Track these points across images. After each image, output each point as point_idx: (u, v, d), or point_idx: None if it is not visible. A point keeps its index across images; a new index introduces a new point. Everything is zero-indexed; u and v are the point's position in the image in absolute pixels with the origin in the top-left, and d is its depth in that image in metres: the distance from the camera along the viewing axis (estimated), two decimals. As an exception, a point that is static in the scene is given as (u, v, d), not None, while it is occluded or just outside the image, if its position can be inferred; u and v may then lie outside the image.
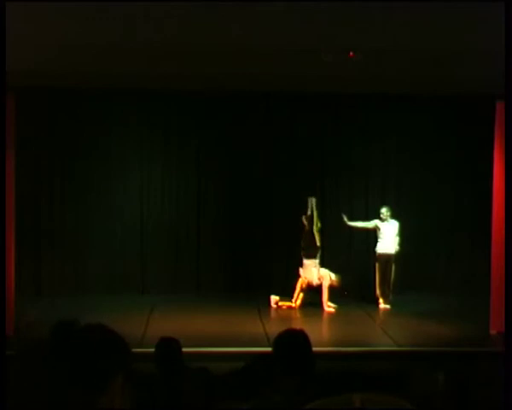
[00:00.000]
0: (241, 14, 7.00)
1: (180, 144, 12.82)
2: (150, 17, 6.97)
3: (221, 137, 12.70)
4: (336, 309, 11.34)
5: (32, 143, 11.93)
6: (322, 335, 9.99)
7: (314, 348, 3.40)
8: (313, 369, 3.32)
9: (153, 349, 5.19)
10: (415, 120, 12.65)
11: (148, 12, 6.80)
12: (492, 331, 9.67)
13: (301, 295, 11.33)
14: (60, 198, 12.45)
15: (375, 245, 11.77)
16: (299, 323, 10.21)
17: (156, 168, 12.87)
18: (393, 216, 11.74)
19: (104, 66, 8.61)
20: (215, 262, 12.81)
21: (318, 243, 11.48)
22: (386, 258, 11.63)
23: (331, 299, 11.43)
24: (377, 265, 11.70)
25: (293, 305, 11.34)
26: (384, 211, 11.69)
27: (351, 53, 8.10)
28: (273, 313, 11.15)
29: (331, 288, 11.32)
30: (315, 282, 11.31)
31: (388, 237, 11.64)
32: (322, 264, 12.88)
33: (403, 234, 11.77)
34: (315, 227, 11.50)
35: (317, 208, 11.58)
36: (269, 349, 3.52)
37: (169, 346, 5.17)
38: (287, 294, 11.49)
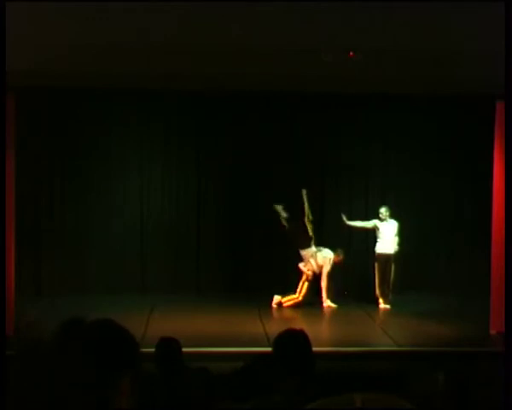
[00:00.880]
0: (241, 14, 7.00)
1: (180, 144, 12.82)
2: (150, 17, 6.98)
3: (221, 137, 12.70)
4: (335, 309, 11.35)
5: (32, 143, 11.92)
6: (322, 335, 9.98)
7: (314, 348, 3.40)
8: (313, 369, 3.32)
9: (153, 349, 5.18)
10: (415, 120, 12.65)
11: (148, 12, 6.80)
12: (492, 331, 9.67)
13: (306, 285, 11.40)
14: (60, 198, 12.45)
15: (375, 245, 11.77)
16: (299, 323, 10.20)
17: (156, 168, 12.87)
18: (393, 216, 11.74)
19: (104, 66, 8.61)
20: (215, 262, 12.81)
21: (311, 233, 11.55)
22: (386, 258, 11.63)
23: (332, 300, 11.45)
24: (377, 265, 11.70)
25: (298, 298, 11.41)
26: (383, 211, 11.69)
27: (351, 53, 8.10)
28: (273, 313, 11.15)
29: (338, 264, 11.56)
30: (317, 271, 11.41)
31: (387, 236, 11.63)
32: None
33: (402, 234, 11.77)
34: (306, 218, 11.56)
35: (308, 200, 11.63)
36: (269, 349, 3.51)
37: (169, 346, 5.17)
38: (287, 292, 11.54)
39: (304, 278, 11.50)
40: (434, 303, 11.64)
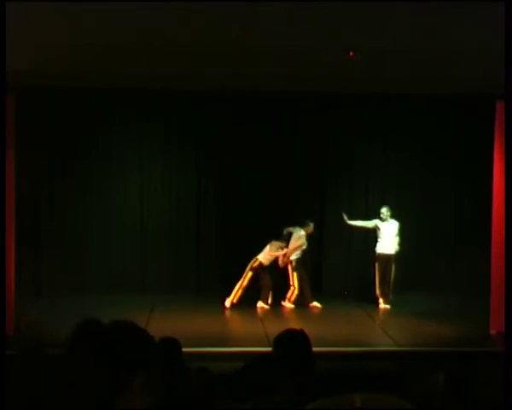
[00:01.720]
0: (241, 14, 7.00)
1: (180, 144, 12.82)
2: (150, 17, 6.97)
3: (221, 137, 12.69)
4: (335, 309, 11.36)
5: (32, 143, 11.92)
6: (322, 335, 9.98)
7: (314, 348, 3.40)
8: (313, 369, 3.32)
9: (153, 349, 5.17)
10: (415, 120, 12.65)
11: (148, 12, 6.80)
12: (492, 331, 9.67)
13: (295, 274, 11.55)
14: (60, 198, 12.44)
15: (375, 245, 11.77)
16: (299, 323, 10.21)
17: (156, 168, 12.87)
18: (393, 216, 11.74)
19: (104, 66, 8.61)
20: (215, 262, 12.81)
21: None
22: (386, 258, 11.62)
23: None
24: (377, 265, 11.69)
25: (294, 290, 11.48)
26: (384, 211, 11.69)
27: (351, 53, 8.10)
28: (273, 313, 11.15)
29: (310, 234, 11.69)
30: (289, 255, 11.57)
31: (388, 237, 11.63)
32: (323, 264, 12.93)
33: (403, 234, 11.77)
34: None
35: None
36: (269, 349, 3.52)
37: (169, 346, 5.16)
38: (287, 292, 11.57)
39: (290, 268, 11.52)
40: (434, 303, 11.64)
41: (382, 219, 11.68)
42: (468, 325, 10.12)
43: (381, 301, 11.58)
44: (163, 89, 10.56)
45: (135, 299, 11.74)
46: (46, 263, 12.37)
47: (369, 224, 11.83)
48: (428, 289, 12.35)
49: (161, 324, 9.79)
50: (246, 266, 11.54)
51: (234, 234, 12.71)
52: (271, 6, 6.63)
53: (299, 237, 11.61)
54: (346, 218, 11.83)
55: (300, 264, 11.65)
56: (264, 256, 11.52)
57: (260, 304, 11.33)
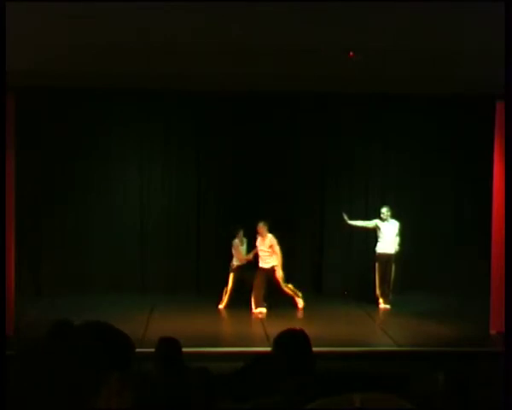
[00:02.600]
0: (241, 14, 7.00)
1: (180, 144, 12.83)
2: (150, 17, 6.97)
3: (221, 137, 12.69)
4: (336, 309, 11.35)
5: (32, 143, 11.93)
6: (322, 335, 9.98)
7: (314, 348, 3.40)
8: (313, 369, 3.32)
9: (153, 349, 5.18)
10: (415, 120, 12.65)
11: (148, 12, 6.80)
12: (492, 331, 9.67)
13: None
14: (60, 198, 12.44)
15: (375, 245, 11.77)
16: (299, 323, 10.21)
17: (156, 168, 12.87)
18: (393, 216, 11.74)
19: (104, 66, 8.62)
20: (215, 262, 12.80)
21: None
22: (386, 258, 11.63)
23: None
24: (377, 265, 11.70)
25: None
26: (384, 211, 11.69)
27: (351, 53, 8.10)
28: (273, 313, 11.14)
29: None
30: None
31: (388, 237, 11.64)
32: (323, 264, 12.93)
33: (403, 234, 11.77)
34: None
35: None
36: (269, 349, 3.52)
37: (169, 346, 5.17)
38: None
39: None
40: (434, 303, 11.64)
41: (382, 219, 11.68)
42: (468, 325, 10.12)
43: (381, 301, 11.58)
44: (163, 89, 10.56)
45: (135, 299, 11.75)
46: (46, 263, 12.37)
47: (370, 224, 11.83)
48: (428, 289, 12.34)
49: (161, 324, 9.80)
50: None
51: (234, 234, 12.69)
52: (271, 6, 6.63)
53: (233, 246, 11.62)
54: (346, 218, 11.83)
55: (240, 271, 11.56)
56: (234, 257, 11.59)
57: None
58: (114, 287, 12.24)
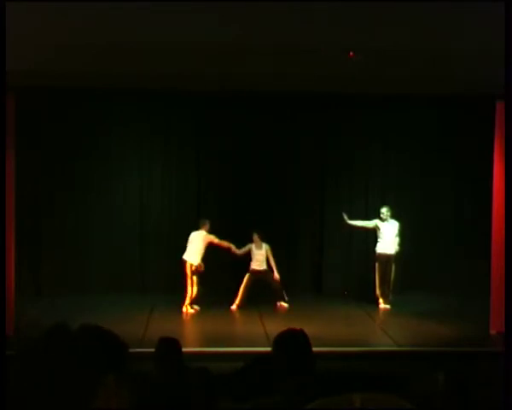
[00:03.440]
0: (241, 14, 7.00)
1: (180, 144, 12.82)
2: (150, 17, 6.97)
3: (221, 137, 12.69)
4: (340, 309, 11.35)
5: (32, 143, 11.93)
6: (322, 335, 9.98)
7: (314, 348, 3.40)
8: (313, 369, 3.32)
9: (153, 349, 5.18)
10: (415, 120, 12.65)
11: (148, 12, 6.80)
12: (492, 331, 9.67)
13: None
14: (60, 198, 12.44)
15: (375, 245, 11.77)
16: (299, 323, 10.19)
17: (156, 168, 12.87)
18: (393, 216, 11.74)
19: (104, 66, 8.61)
20: (215, 262, 12.78)
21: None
22: (386, 258, 11.62)
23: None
24: (377, 265, 11.69)
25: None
26: (384, 211, 11.69)
27: (351, 53, 8.10)
28: (273, 313, 11.14)
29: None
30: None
31: (388, 237, 11.63)
32: (323, 264, 12.91)
33: (403, 234, 11.77)
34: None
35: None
36: (269, 349, 3.51)
37: (169, 346, 5.17)
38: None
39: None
40: (434, 303, 11.64)
41: (382, 219, 11.68)
42: (468, 325, 10.12)
43: (381, 301, 11.58)
44: (163, 89, 10.56)
45: (135, 299, 11.75)
46: (46, 263, 12.37)
47: (370, 224, 11.83)
48: (428, 289, 12.34)
49: (161, 324, 9.79)
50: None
51: (234, 234, 12.69)
52: (271, 6, 6.63)
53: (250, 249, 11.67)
54: (346, 218, 11.83)
55: (258, 275, 11.56)
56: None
57: (233, 306, 11.35)
58: (114, 287, 12.24)
